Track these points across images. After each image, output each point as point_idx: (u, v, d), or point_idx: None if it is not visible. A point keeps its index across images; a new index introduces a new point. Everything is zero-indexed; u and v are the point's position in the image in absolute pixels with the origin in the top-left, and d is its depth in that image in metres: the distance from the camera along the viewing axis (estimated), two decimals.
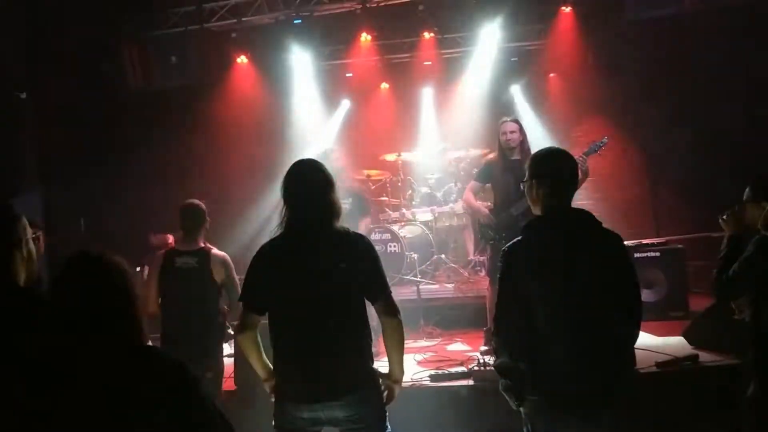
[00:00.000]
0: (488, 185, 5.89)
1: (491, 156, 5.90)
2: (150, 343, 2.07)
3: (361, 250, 2.87)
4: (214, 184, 8.51)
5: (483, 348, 5.58)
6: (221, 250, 4.43)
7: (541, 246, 2.64)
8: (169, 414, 1.80)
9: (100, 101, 8.25)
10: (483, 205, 5.88)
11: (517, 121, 5.62)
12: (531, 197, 2.77)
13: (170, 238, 6.64)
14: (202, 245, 4.35)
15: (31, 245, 2.54)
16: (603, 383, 2.56)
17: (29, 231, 2.56)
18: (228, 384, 5.07)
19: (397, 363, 2.96)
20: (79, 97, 8.04)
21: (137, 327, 1.90)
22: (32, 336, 1.95)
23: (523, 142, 5.55)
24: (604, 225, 2.71)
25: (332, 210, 2.87)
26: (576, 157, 5.45)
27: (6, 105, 7.64)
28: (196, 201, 4.48)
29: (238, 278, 4.20)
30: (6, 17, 7.23)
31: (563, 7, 7.78)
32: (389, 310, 2.88)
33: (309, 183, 2.88)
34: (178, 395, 1.83)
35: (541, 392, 2.60)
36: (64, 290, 1.87)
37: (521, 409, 2.66)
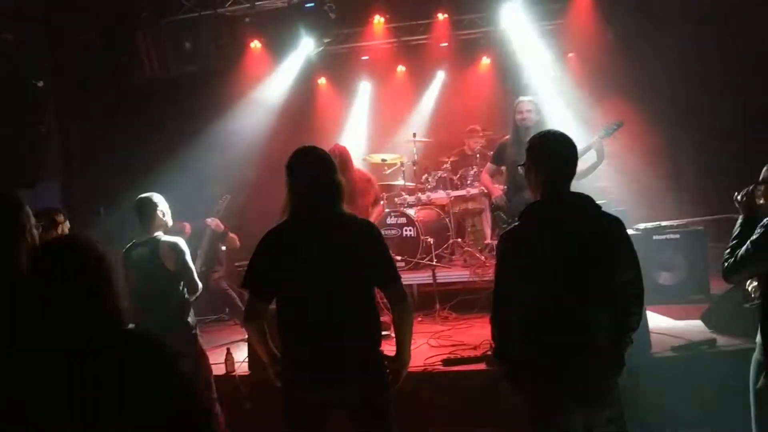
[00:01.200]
0: (503, 167, 5.84)
1: (507, 137, 5.82)
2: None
3: (368, 236, 2.88)
4: (230, 169, 8.53)
5: None
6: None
7: (538, 231, 2.59)
8: (143, 394, 1.79)
9: (117, 89, 8.29)
10: (498, 188, 5.81)
11: (533, 101, 5.51)
12: (529, 181, 2.73)
13: (187, 226, 6.67)
14: (154, 234, 4.35)
15: (35, 232, 2.55)
16: (601, 371, 2.52)
17: (32, 219, 2.58)
18: (243, 368, 5.13)
19: (405, 347, 2.98)
20: (96, 85, 8.10)
21: (110, 309, 1.89)
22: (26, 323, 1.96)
23: (540, 123, 5.39)
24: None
25: (337, 193, 2.87)
26: (591, 140, 5.39)
27: (25, 94, 7.72)
28: (148, 194, 4.48)
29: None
30: (24, 7, 7.29)
31: None
32: (399, 296, 2.90)
33: (312, 168, 2.88)
34: (153, 375, 1.83)
35: (540, 380, 2.56)
36: (38, 274, 1.90)
37: (521, 396, 2.64)
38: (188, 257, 4.38)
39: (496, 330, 2.69)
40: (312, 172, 2.85)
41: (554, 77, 9.10)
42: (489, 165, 6.01)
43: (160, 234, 4.37)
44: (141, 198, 4.46)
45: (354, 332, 2.78)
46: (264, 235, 2.91)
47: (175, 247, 4.31)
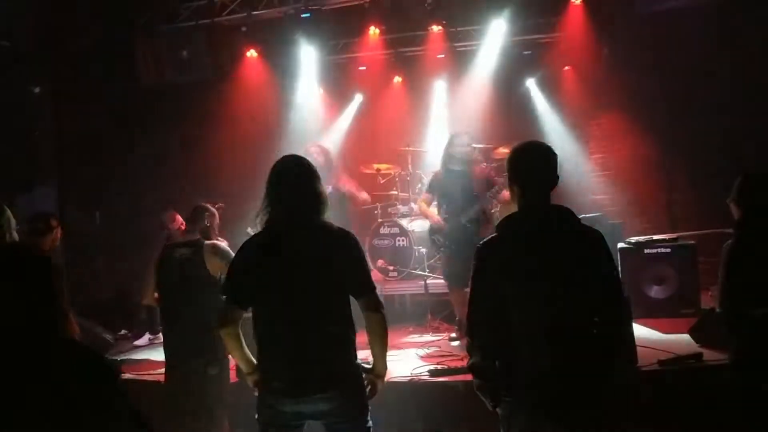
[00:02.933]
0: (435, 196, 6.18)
1: (439, 168, 6.14)
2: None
3: (344, 245, 2.87)
4: (226, 177, 8.56)
5: (453, 335, 6.05)
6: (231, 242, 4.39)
7: (515, 243, 2.58)
8: (79, 406, 1.76)
9: (114, 96, 8.34)
10: (435, 214, 6.11)
11: (469, 134, 5.99)
12: (510, 193, 2.73)
13: (178, 218, 6.68)
14: (198, 237, 4.33)
15: (15, 235, 2.60)
16: (580, 385, 2.50)
17: (13, 222, 2.62)
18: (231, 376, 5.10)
19: (380, 358, 2.96)
20: (92, 92, 8.15)
21: (51, 321, 1.86)
22: None
23: (470, 155, 5.88)
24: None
25: (317, 203, 2.87)
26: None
27: (21, 100, 7.78)
28: (204, 204, 4.54)
29: None
30: (22, 13, 7.35)
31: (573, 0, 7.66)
32: (373, 305, 2.87)
33: (293, 177, 2.89)
34: (92, 388, 1.79)
35: (516, 393, 2.55)
36: None
37: (498, 410, 2.63)
38: None
39: (471, 342, 2.68)
40: (290, 181, 2.86)
41: (549, 90, 9.15)
42: (425, 194, 6.31)
43: (200, 237, 4.35)
44: (196, 206, 4.52)
45: (328, 342, 2.78)
46: (243, 242, 2.93)
47: (218, 250, 4.23)
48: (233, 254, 4.29)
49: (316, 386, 2.73)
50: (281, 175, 2.90)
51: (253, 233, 3.02)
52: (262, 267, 2.81)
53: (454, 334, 6.08)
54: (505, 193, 5.39)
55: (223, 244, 4.39)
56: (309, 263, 2.77)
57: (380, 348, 2.93)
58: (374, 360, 2.95)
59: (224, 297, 2.89)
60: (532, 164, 2.65)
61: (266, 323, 2.83)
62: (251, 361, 2.91)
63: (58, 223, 4.57)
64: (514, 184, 2.67)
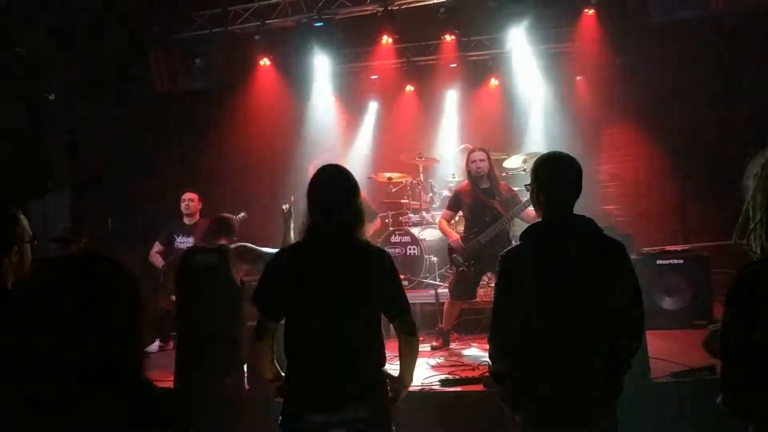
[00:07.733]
0: (460, 213, 6.18)
1: (462, 185, 6.14)
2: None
3: (381, 267, 2.84)
4: (238, 185, 8.59)
5: (434, 344, 6.06)
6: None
7: (539, 253, 2.58)
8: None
9: (128, 103, 8.40)
10: (455, 233, 6.11)
11: (484, 150, 5.89)
12: (533, 202, 2.74)
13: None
14: (223, 242, 4.28)
15: (26, 249, 2.55)
16: (599, 395, 2.50)
17: (27, 234, 2.58)
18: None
19: (408, 372, 2.99)
20: (106, 99, 8.20)
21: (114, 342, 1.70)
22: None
23: (491, 170, 5.84)
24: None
25: (356, 218, 2.84)
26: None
27: (36, 107, 7.83)
28: (227, 216, 4.50)
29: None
30: (35, 21, 7.41)
31: (586, 10, 7.66)
32: (408, 329, 2.89)
33: (334, 189, 2.84)
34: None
35: (535, 401, 2.55)
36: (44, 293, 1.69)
37: (516, 417, 2.63)
38: (258, 250, 4.24)
39: (493, 349, 2.69)
40: (330, 193, 2.82)
41: (561, 100, 9.15)
42: (445, 211, 6.28)
43: (225, 243, 4.29)
44: (220, 216, 4.47)
45: (360, 357, 2.76)
46: (277, 252, 2.90)
47: (239, 250, 4.19)
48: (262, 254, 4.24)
49: (348, 398, 2.71)
50: (321, 186, 2.86)
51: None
52: (296, 281, 2.77)
53: (434, 343, 6.10)
54: (529, 212, 5.36)
55: (241, 244, 4.33)
56: (342, 281, 2.74)
57: (410, 364, 2.97)
58: (402, 372, 2.96)
59: (258, 309, 2.85)
60: (558, 173, 2.66)
61: (299, 336, 2.79)
62: (278, 372, 2.90)
63: (85, 236, 4.59)
64: (538, 192, 2.67)
